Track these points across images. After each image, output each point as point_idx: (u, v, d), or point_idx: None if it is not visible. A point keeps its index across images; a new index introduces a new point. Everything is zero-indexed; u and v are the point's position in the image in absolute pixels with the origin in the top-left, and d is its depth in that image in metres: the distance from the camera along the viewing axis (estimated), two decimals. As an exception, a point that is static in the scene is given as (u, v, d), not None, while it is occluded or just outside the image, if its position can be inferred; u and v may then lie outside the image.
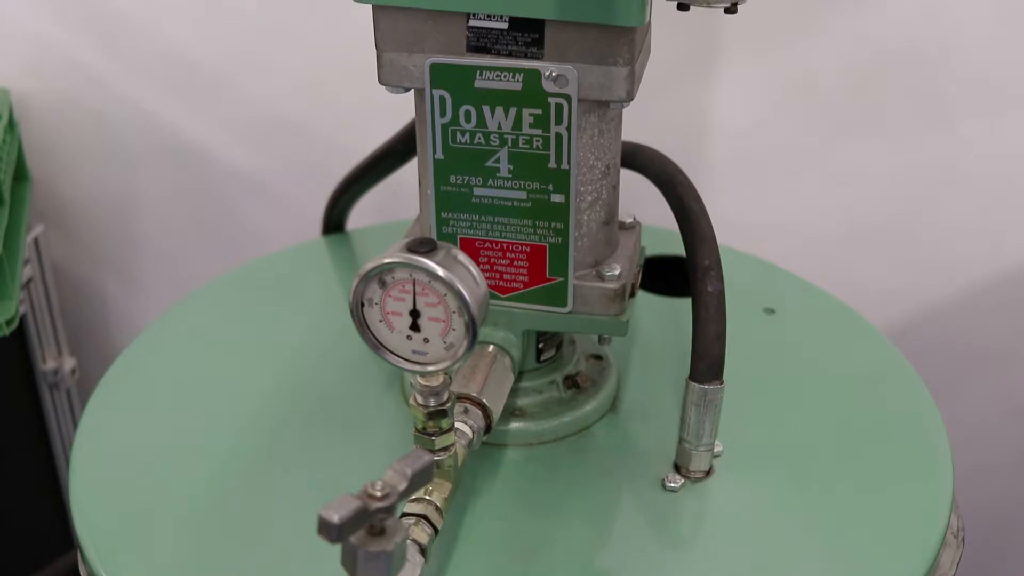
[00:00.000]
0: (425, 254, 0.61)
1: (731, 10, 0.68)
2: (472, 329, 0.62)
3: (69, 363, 1.26)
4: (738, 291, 0.79)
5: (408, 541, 0.61)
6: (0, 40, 1.22)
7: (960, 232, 1.21)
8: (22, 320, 1.15)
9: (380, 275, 0.62)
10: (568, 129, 0.69)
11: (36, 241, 1.21)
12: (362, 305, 0.64)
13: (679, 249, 0.77)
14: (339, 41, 1.06)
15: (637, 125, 0.84)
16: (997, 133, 1.16)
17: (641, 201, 0.84)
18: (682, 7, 0.68)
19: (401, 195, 1.02)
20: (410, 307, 0.63)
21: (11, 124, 1.18)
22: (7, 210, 1.12)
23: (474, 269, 0.62)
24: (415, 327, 0.63)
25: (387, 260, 0.61)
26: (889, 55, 1.14)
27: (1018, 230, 1.20)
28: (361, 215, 1.05)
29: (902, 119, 1.17)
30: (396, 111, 0.86)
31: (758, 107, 1.18)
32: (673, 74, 1.15)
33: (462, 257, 0.62)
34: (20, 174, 1.21)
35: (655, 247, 0.93)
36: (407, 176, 0.86)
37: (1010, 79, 1.14)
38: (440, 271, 0.61)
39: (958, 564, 0.76)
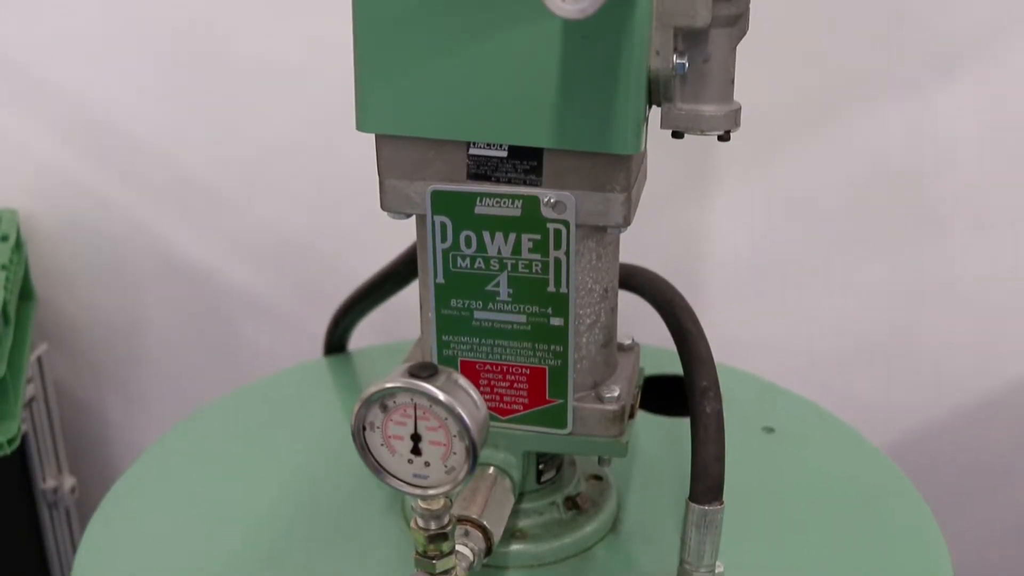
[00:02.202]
0: (426, 379, 0.62)
1: (724, 138, 0.70)
2: (473, 453, 0.62)
3: (69, 482, 1.26)
4: (737, 410, 0.80)
5: (409, 667, 0.61)
6: (9, 162, 1.24)
7: (958, 347, 1.22)
8: (23, 438, 1.16)
9: (382, 399, 0.63)
10: (567, 254, 0.70)
11: (39, 360, 1.22)
12: (364, 429, 0.64)
13: (678, 368, 0.78)
14: (342, 165, 1.08)
15: (635, 246, 0.85)
16: (990, 250, 1.18)
17: (640, 320, 0.85)
18: (676, 135, 0.70)
19: (402, 315, 1.03)
20: (411, 431, 0.63)
21: (18, 244, 1.20)
22: (12, 330, 1.13)
23: (474, 393, 0.63)
24: (416, 451, 0.64)
25: (389, 385, 0.62)
26: (882, 174, 1.16)
27: (1015, 345, 1.21)
28: (362, 335, 1.06)
29: (898, 236, 1.19)
30: (397, 233, 0.88)
31: (754, 226, 1.19)
32: (670, 196, 1.17)
33: (463, 381, 0.63)
34: (25, 293, 1.23)
35: (654, 366, 0.94)
36: (408, 296, 0.87)
37: (1001, 198, 1.16)
38: (441, 396, 0.61)
39: None
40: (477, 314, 0.73)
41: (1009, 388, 1.23)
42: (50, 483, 1.23)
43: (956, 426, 1.25)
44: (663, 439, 0.93)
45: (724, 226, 1.20)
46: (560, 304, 0.71)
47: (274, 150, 1.21)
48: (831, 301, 1.22)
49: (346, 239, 1.22)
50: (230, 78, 1.18)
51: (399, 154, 0.70)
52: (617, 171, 0.68)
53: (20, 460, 1.19)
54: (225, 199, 1.24)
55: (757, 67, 0.79)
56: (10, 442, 1.07)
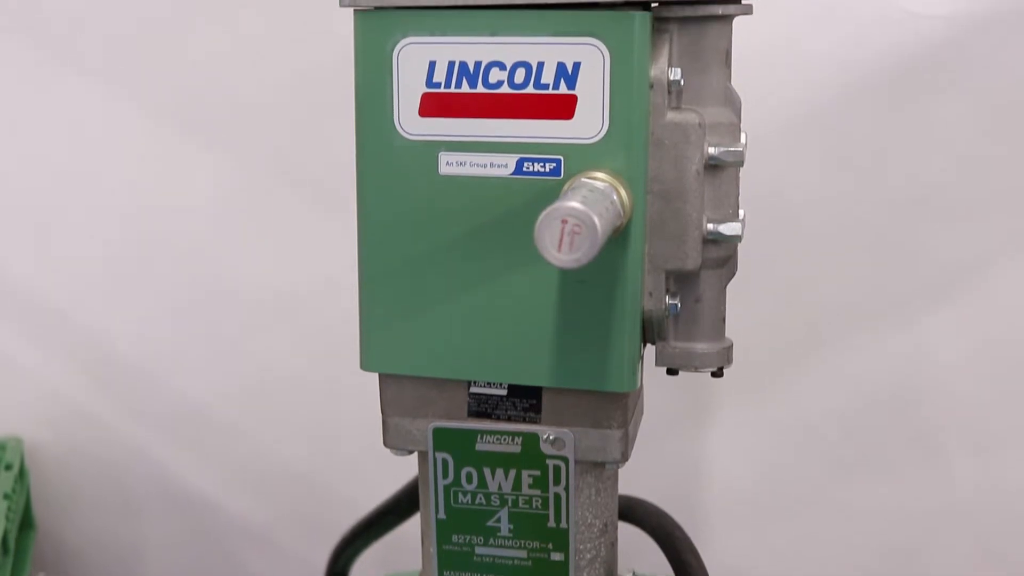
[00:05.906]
0: (428, 620, 0.62)
1: (717, 374, 0.72)
2: None
3: None
4: (740, 642, 0.79)
5: None
6: (15, 391, 1.26)
7: (960, 569, 1.21)
8: (17, 672, 1.14)
9: (383, 640, 0.63)
10: (566, 489, 0.71)
11: (37, 590, 1.21)
12: (365, 670, 0.64)
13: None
14: (342, 397, 1.09)
15: (634, 478, 0.86)
16: (989, 471, 1.18)
17: (640, 552, 0.86)
18: (671, 371, 0.72)
19: (403, 547, 1.02)
20: (413, 672, 0.63)
21: (21, 473, 1.20)
22: (11, 560, 1.13)
23: (476, 633, 0.63)
24: None
25: (391, 626, 0.62)
26: (878, 396, 1.17)
27: (1018, 563, 1.21)
28: (363, 567, 1.05)
29: (897, 461, 1.19)
30: (398, 465, 0.88)
31: (752, 455, 1.20)
32: (667, 428, 1.18)
33: (464, 621, 0.63)
34: (26, 522, 1.22)
35: (656, 597, 0.94)
36: (409, 527, 0.88)
37: (997, 420, 1.17)
38: (443, 637, 0.61)
39: None
40: (479, 549, 0.73)
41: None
42: None
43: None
44: (666, 672, 0.91)
45: (721, 456, 1.21)
46: (560, 539, 0.72)
47: (276, 382, 1.23)
48: (832, 526, 1.21)
49: (347, 471, 1.23)
50: (234, 310, 1.21)
51: (402, 392, 0.71)
52: (614, 408, 0.69)
53: None
54: (226, 429, 1.25)
55: (748, 302, 0.82)
56: None
